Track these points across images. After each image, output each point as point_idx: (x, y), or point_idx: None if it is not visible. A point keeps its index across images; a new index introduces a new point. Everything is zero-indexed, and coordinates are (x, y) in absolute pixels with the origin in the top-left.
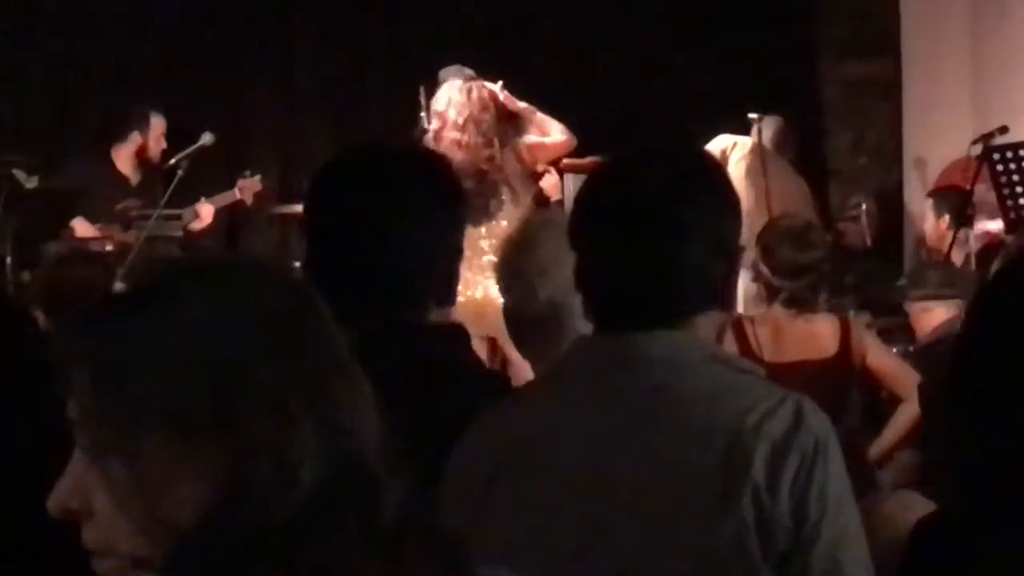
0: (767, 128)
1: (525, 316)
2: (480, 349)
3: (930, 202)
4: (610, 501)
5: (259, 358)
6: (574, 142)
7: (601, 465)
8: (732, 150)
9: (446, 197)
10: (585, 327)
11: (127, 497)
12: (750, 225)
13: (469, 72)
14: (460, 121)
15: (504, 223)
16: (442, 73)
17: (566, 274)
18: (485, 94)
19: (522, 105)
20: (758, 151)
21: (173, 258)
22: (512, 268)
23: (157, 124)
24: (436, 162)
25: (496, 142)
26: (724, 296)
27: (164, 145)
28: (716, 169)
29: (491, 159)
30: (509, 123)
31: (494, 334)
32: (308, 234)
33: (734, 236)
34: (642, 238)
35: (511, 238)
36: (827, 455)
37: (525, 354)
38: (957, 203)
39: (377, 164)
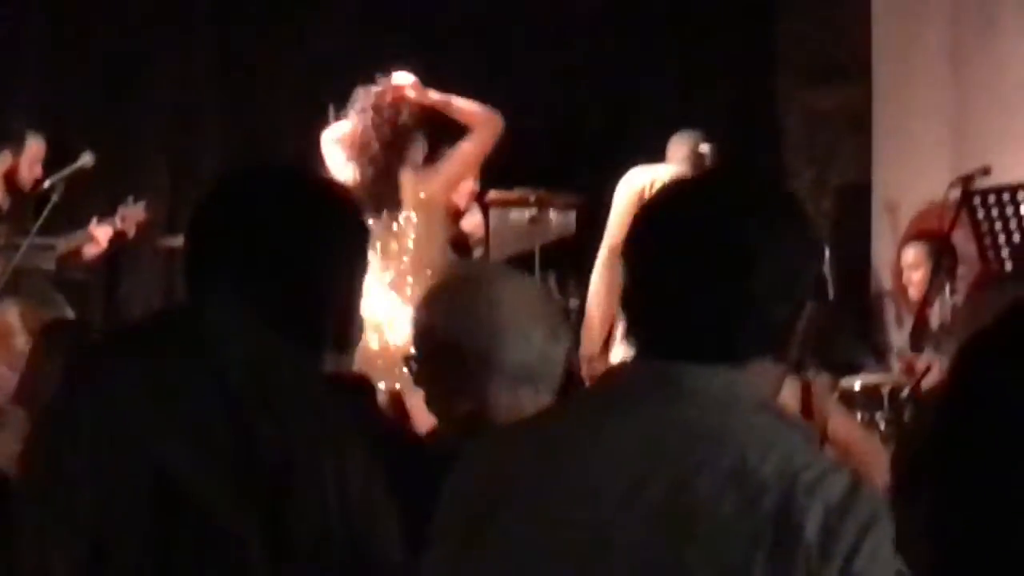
0: (677, 148)
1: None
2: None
3: (920, 248)
4: (630, 541)
5: None
6: (500, 122)
7: (628, 498)
8: (651, 189)
9: (346, 228)
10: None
11: None
12: None
13: None
14: (357, 131)
15: (406, 260)
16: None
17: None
18: (387, 97)
19: (435, 96)
20: None
21: None
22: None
23: (34, 147)
24: (334, 188)
25: (399, 158)
26: (784, 344)
27: (39, 172)
28: (795, 201)
29: (387, 178)
30: (420, 130)
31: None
32: (187, 269)
33: (807, 278)
34: (703, 264)
35: (437, 297)
36: (883, 530)
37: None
38: (939, 250)
39: (268, 190)
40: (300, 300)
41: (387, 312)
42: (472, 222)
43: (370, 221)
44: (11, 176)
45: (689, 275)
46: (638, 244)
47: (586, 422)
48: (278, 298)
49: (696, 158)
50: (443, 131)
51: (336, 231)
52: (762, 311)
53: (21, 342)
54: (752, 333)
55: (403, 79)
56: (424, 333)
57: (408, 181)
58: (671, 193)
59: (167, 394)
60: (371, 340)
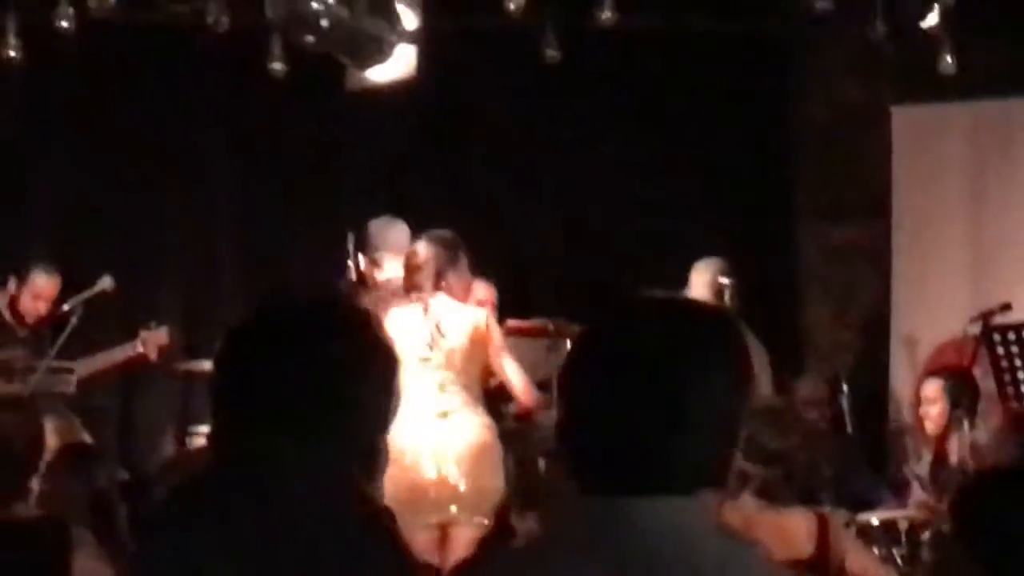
0: (698, 276)
1: None
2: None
3: (938, 383)
4: None
5: None
6: (535, 404)
7: None
8: None
9: (378, 360)
10: None
11: None
12: None
13: (403, 229)
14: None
15: None
16: (373, 224)
17: None
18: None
19: (498, 339)
20: None
21: None
22: None
23: (40, 282)
24: (365, 320)
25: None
26: (721, 474)
27: (42, 309)
28: (732, 333)
29: None
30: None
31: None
32: (216, 398)
33: (741, 411)
34: (649, 398)
35: None
36: None
37: None
38: (958, 385)
39: (299, 322)
40: (355, 437)
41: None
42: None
43: None
44: (12, 306)
45: (628, 415)
46: (578, 377)
47: (550, 563)
48: (340, 438)
49: (716, 287)
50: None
51: (382, 367)
52: (705, 442)
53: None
54: (693, 467)
55: (482, 292)
56: None
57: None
58: (612, 326)
59: (245, 554)
60: (426, 469)
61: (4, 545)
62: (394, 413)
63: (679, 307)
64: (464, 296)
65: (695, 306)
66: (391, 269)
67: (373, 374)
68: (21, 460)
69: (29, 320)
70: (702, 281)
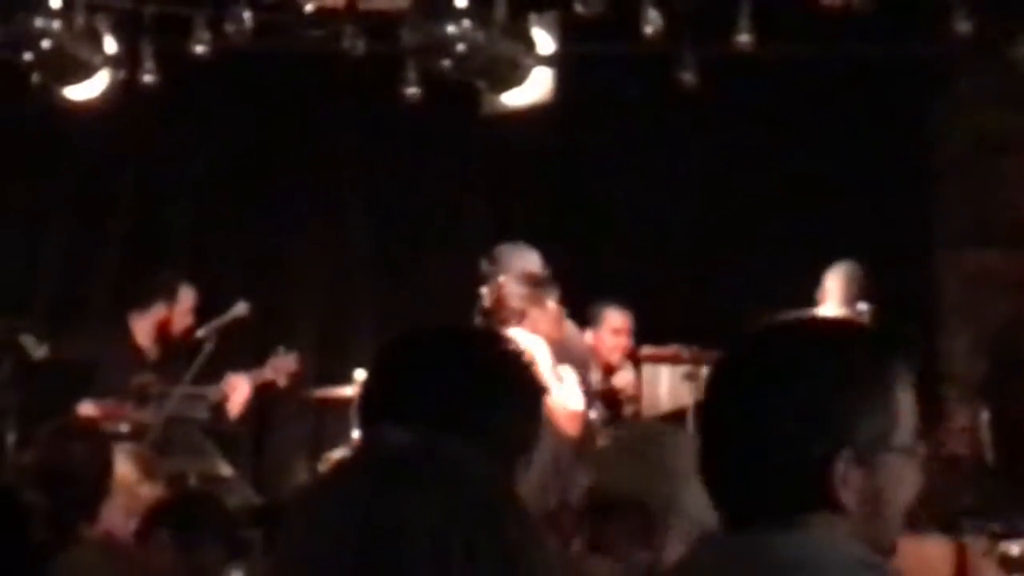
0: (834, 282)
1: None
2: None
3: None
4: None
5: None
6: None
7: None
8: None
9: (528, 389)
10: None
11: None
12: None
13: (534, 255)
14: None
15: None
16: (498, 250)
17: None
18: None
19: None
20: None
21: None
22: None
23: (186, 297)
24: (516, 350)
25: None
26: (830, 493)
27: (190, 321)
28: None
29: None
30: None
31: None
32: (368, 419)
33: (835, 418)
34: (754, 430)
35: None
36: None
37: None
38: None
39: (454, 346)
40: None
41: None
42: (624, 379)
43: None
44: (164, 327)
45: (736, 451)
46: (702, 424)
47: None
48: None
49: (855, 289)
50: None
51: (521, 390)
52: (809, 466)
53: (145, 490)
54: (801, 488)
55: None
56: (604, 491)
57: None
58: (735, 360)
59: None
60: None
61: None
62: (535, 440)
63: (808, 327)
64: (552, 330)
65: (823, 324)
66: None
67: (517, 396)
68: (90, 486)
69: (178, 338)
70: (836, 285)
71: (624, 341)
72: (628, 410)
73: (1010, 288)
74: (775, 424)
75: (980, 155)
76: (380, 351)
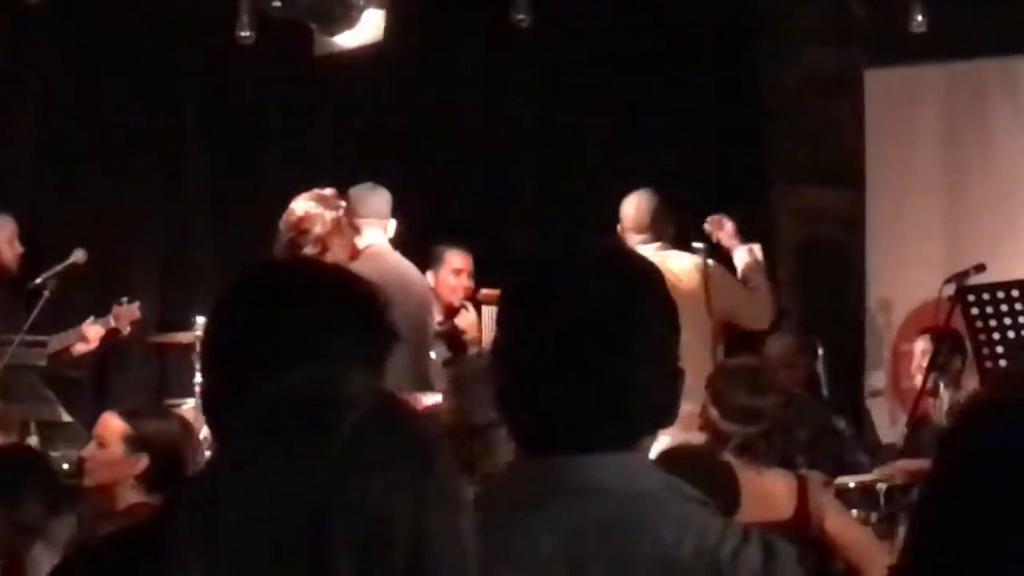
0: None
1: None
2: None
3: (926, 343)
4: None
5: None
6: None
7: None
8: None
9: (376, 324)
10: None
11: None
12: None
13: (385, 195)
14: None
15: None
16: (354, 191)
17: None
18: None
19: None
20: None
21: None
22: None
23: (5, 224)
24: (363, 283)
25: None
26: (669, 417)
27: (19, 249)
28: (660, 282)
29: None
30: None
31: None
32: (211, 365)
33: (675, 349)
34: (589, 358)
35: None
36: None
37: None
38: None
39: (299, 283)
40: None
41: None
42: (467, 320)
43: None
44: None
45: (577, 370)
46: (513, 339)
47: (496, 528)
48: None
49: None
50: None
51: (367, 326)
52: (651, 393)
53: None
54: (644, 413)
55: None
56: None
57: None
58: (543, 281)
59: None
60: None
61: None
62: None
63: (607, 260)
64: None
65: (622, 256)
66: (370, 236)
67: (372, 341)
68: None
69: (13, 267)
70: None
71: (465, 282)
72: (472, 351)
73: (843, 224)
74: (642, 368)
75: (812, 94)
76: (222, 297)
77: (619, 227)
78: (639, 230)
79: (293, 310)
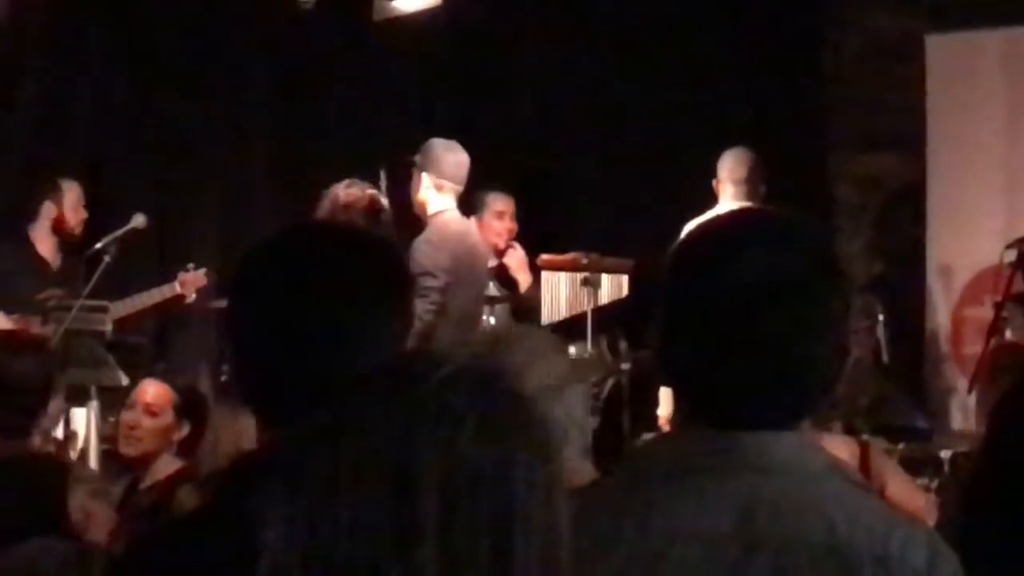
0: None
1: None
2: None
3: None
4: None
5: None
6: None
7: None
8: None
9: (394, 284)
10: None
11: None
12: None
13: (466, 160)
14: None
15: None
16: (437, 147)
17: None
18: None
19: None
20: None
21: None
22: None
23: (71, 190)
24: (380, 242)
25: None
26: (831, 395)
27: (84, 215)
28: (836, 255)
29: None
30: None
31: None
32: (231, 334)
33: (848, 332)
34: (771, 334)
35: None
36: None
37: None
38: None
39: (310, 246)
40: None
41: None
42: (515, 258)
43: None
44: (60, 225)
45: (752, 343)
46: (687, 309)
47: (662, 498)
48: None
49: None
50: None
51: (384, 285)
52: (824, 372)
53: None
54: (815, 393)
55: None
56: None
57: None
58: (720, 253)
59: None
60: None
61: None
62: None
63: (784, 233)
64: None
65: (798, 228)
66: (443, 201)
67: (389, 300)
68: (33, 400)
69: (76, 232)
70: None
71: (508, 224)
72: (521, 283)
73: (904, 190)
74: (819, 343)
75: (873, 58)
76: (241, 264)
77: (714, 181)
78: (736, 182)
79: (318, 277)
